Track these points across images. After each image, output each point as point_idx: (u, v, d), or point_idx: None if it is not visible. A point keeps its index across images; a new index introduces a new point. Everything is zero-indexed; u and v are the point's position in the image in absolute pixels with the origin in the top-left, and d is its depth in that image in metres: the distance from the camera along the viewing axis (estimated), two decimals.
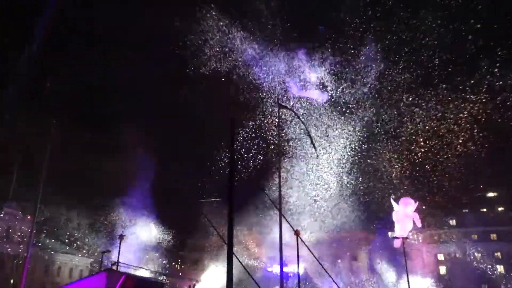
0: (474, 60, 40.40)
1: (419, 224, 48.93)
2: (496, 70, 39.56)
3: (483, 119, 42.84)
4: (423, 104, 44.31)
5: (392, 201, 50.01)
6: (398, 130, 45.94)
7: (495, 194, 60.86)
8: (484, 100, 40.80)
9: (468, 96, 40.96)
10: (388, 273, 51.40)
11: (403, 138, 46.21)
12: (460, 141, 45.59)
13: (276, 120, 28.67)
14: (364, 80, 43.64)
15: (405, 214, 48.22)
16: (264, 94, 44.67)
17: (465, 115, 42.49)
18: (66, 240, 50.99)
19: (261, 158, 46.56)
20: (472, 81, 40.73)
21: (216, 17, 39.10)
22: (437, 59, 41.68)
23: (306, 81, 43.78)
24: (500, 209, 58.14)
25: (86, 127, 44.88)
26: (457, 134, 44.80)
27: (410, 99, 44.56)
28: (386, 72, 42.81)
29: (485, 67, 39.45)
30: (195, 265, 62.08)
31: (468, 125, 43.74)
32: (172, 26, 39.01)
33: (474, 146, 45.71)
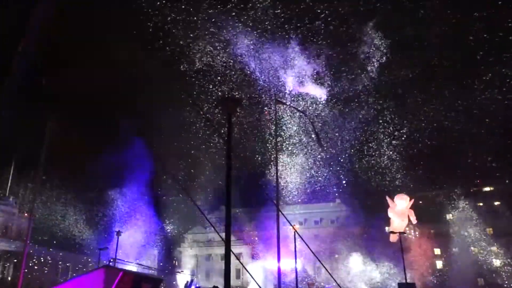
0: (483, 57, 40.44)
1: (414, 221, 49.31)
2: (504, 70, 39.65)
3: (492, 115, 43.14)
4: (426, 100, 44.43)
5: (387, 198, 50.34)
6: (402, 131, 46.14)
7: (492, 188, 61.12)
8: (500, 98, 40.96)
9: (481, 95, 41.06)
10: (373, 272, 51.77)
11: (405, 135, 46.44)
12: (465, 138, 45.85)
13: (274, 115, 28.58)
14: (364, 75, 43.62)
15: (400, 210, 48.61)
16: (261, 90, 44.66)
17: (474, 112, 42.68)
18: (64, 237, 50.88)
19: (259, 157, 46.69)
20: (485, 77, 40.81)
21: (215, 10, 38.97)
22: (443, 60, 41.79)
23: (304, 76, 43.72)
24: (496, 203, 58.38)
25: (83, 124, 44.67)
26: (461, 130, 45.02)
27: (415, 91, 44.61)
28: (388, 67, 42.81)
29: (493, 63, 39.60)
30: (194, 260, 62.23)
31: (474, 123, 44.04)
32: (167, 20, 38.88)
33: (478, 142, 45.98)
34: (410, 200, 49.31)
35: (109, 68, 40.70)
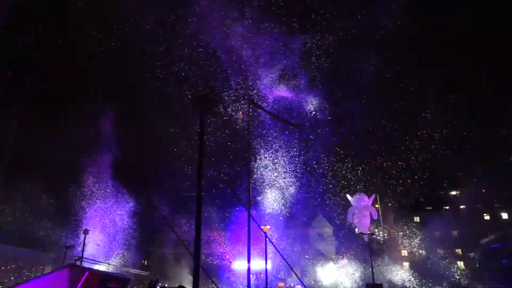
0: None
1: (375, 217, 50.08)
2: None
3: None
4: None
5: (348, 196, 51.03)
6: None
7: (457, 193, 63.03)
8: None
9: None
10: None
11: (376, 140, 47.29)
12: (426, 141, 47.15)
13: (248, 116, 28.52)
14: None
15: (361, 208, 49.37)
16: (236, 90, 44.52)
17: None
18: (27, 234, 49.31)
19: (231, 158, 46.54)
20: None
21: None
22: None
23: (281, 76, 43.89)
24: (462, 207, 60.24)
25: (49, 118, 43.12)
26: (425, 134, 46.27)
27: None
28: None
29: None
30: (163, 260, 61.40)
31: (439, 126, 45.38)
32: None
33: (439, 146, 47.37)
34: (370, 196, 50.16)
35: (73, 57, 39.65)
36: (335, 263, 53.31)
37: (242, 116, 41.92)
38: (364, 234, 41.83)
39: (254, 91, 43.29)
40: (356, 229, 52.61)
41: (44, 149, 41.02)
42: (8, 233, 47.14)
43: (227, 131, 44.85)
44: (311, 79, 44.27)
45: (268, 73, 42.82)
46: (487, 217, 60.19)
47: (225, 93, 43.45)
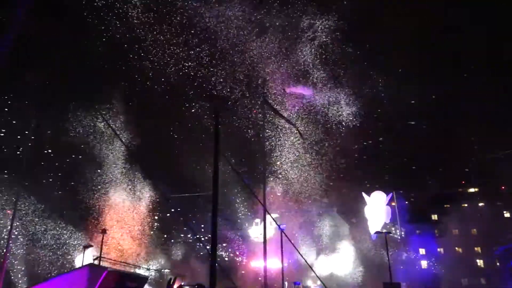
0: None
1: (387, 220, 49.44)
2: None
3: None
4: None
5: (364, 194, 50.49)
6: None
7: (476, 190, 61.95)
8: None
9: None
10: None
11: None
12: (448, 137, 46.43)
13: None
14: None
15: (377, 208, 48.88)
16: (250, 89, 44.35)
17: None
18: (47, 233, 50.12)
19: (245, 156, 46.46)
20: None
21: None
22: None
23: (294, 74, 43.53)
24: (480, 204, 59.16)
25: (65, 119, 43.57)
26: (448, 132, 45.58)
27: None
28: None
29: None
30: (180, 260, 61.75)
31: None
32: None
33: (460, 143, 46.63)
34: (387, 195, 49.54)
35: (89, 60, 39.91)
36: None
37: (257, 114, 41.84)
38: (380, 233, 41.45)
39: (272, 91, 42.96)
40: (372, 228, 52.23)
41: (60, 148, 41.66)
42: (28, 233, 48.05)
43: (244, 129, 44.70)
44: (335, 75, 43.71)
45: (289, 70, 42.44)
46: (507, 215, 59.01)
47: (238, 92, 43.31)
